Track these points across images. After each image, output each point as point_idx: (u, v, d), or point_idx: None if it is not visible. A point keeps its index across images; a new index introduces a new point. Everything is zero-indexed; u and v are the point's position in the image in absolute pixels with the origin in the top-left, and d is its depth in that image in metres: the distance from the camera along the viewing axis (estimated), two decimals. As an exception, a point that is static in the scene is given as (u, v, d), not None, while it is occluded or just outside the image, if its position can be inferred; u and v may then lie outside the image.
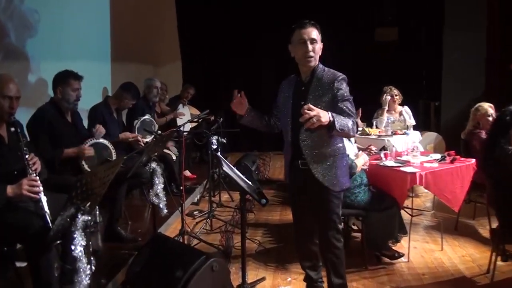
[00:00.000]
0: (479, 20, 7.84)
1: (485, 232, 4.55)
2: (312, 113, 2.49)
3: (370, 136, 5.45)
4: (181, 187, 4.17)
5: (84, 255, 2.28)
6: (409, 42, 8.84)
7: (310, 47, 2.83)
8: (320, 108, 2.64)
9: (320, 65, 2.93)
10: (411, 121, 5.90)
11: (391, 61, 8.65)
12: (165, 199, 3.80)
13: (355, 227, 4.41)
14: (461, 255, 4.10)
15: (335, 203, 2.96)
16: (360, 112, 5.38)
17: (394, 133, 5.53)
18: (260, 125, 3.15)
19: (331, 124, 2.58)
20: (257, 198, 2.76)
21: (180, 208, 4.12)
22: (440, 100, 8.27)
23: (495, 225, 3.56)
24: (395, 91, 5.86)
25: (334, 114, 2.61)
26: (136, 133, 4.77)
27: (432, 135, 6.74)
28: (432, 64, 8.55)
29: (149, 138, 4.79)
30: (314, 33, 2.85)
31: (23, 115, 3.67)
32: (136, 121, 4.88)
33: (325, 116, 2.55)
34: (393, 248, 3.96)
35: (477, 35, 7.86)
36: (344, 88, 2.84)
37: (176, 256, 2.98)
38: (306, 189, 2.99)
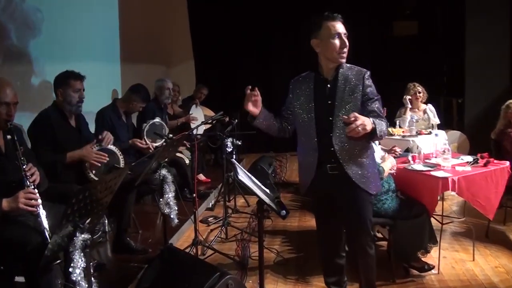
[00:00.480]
0: (502, 9, 7.51)
1: (515, 239, 4.30)
2: (358, 122, 2.35)
3: (393, 137, 5.15)
4: (194, 195, 3.93)
5: (83, 278, 2.05)
6: (429, 35, 8.52)
7: (346, 41, 2.65)
8: (350, 107, 2.59)
9: None
10: (436, 120, 5.61)
11: (411, 56, 8.32)
12: (176, 208, 3.56)
13: (379, 235, 4.14)
14: (494, 265, 3.81)
15: (369, 208, 2.84)
16: (385, 112, 5.10)
17: (418, 133, 5.23)
18: (273, 127, 2.89)
19: (373, 131, 2.45)
20: (277, 210, 2.52)
21: (193, 217, 3.88)
22: (463, 97, 7.94)
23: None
24: (419, 88, 5.58)
25: (375, 121, 2.48)
26: (145, 137, 4.53)
27: (455, 134, 6.43)
28: (453, 59, 8.23)
29: (159, 143, 4.56)
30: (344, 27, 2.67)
31: (27, 120, 3.48)
32: (145, 124, 4.65)
33: (369, 124, 2.41)
34: (422, 259, 3.67)
35: (501, 26, 7.53)
36: (372, 86, 2.69)
37: (188, 272, 2.77)
38: (335, 195, 2.79)
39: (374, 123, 2.47)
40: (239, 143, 5.37)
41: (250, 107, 2.71)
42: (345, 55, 2.67)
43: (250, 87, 2.69)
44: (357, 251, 2.89)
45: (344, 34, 2.65)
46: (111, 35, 6.05)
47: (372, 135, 2.48)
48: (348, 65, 2.74)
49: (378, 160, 3.36)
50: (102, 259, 3.39)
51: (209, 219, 5.04)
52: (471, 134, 6.58)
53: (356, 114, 2.39)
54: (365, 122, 2.38)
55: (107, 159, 3.51)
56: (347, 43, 2.65)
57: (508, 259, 3.92)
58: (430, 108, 5.71)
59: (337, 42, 2.62)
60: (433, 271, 3.64)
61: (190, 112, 6.39)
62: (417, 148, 4.69)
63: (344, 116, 2.43)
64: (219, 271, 2.67)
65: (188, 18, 9.09)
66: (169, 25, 8.36)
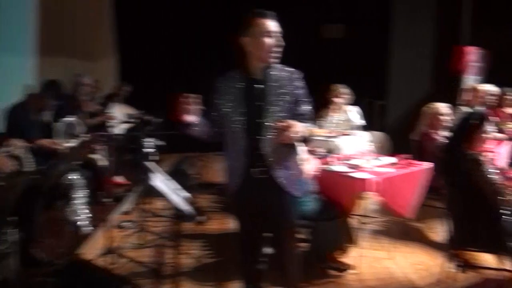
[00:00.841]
0: (427, 15, 7.79)
1: (435, 237, 4.41)
2: (292, 129, 2.34)
3: (316, 137, 5.14)
4: (109, 199, 3.72)
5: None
6: (355, 39, 8.68)
7: (279, 41, 2.54)
8: (280, 109, 2.52)
9: None
10: (360, 121, 5.69)
11: (337, 59, 8.46)
12: (88, 214, 3.33)
13: (299, 236, 4.12)
14: (412, 262, 3.92)
15: (295, 211, 2.79)
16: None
17: (340, 134, 5.28)
18: (209, 132, 2.71)
19: (305, 136, 2.47)
20: (191, 215, 2.41)
21: (106, 223, 3.67)
22: (386, 99, 8.18)
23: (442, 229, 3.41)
24: (343, 90, 5.63)
25: (306, 125, 2.48)
26: (58, 136, 4.25)
27: (377, 135, 6.56)
28: (378, 62, 8.45)
29: (72, 143, 4.28)
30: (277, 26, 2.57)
31: None
32: (58, 123, 4.36)
33: (302, 130, 2.41)
34: (341, 258, 3.71)
35: (425, 31, 7.81)
36: (304, 88, 2.62)
37: (96, 285, 2.58)
38: (263, 199, 2.67)
39: (305, 127, 2.44)
40: (162, 143, 5.17)
41: (186, 117, 2.49)
42: (277, 54, 2.57)
43: (183, 94, 2.49)
44: (285, 253, 2.82)
45: (277, 33, 2.55)
46: (25, 27, 5.62)
47: (303, 140, 2.47)
48: (279, 65, 2.64)
49: (301, 161, 3.32)
50: (5, 273, 3.12)
51: (124, 223, 4.74)
52: (392, 135, 6.76)
53: (290, 121, 2.35)
54: (298, 129, 2.35)
55: (11, 165, 3.25)
56: (280, 43, 2.55)
57: (426, 256, 4.03)
58: (353, 109, 5.79)
59: (268, 40, 2.51)
60: (352, 270, 3.67)
61: (109, 111, 6.10)
62: (339, 149, 4.73)
63: (277, 123, 2.36)
64: (131, 284, 2.52)
65: (113, 10, 8.72)
66: (92, 17, 7.97)
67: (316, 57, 8.39)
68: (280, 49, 2.56)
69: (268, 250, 2.98)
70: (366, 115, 7.72)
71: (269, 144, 2.55)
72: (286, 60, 2.73)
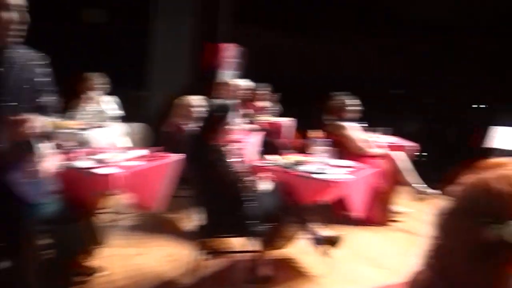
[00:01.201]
0: (188, 9, 7.97)
1: (186, 227, 4.49)
2: (27, 124, 2.09)
3: (64, 130, 4.77)
4: None
5: None
6: (116, 26, 8.45)
7: (18, 15, 2.14)
8: (17, 99, 2.19)
9: None
10: (116, 112, 5.49)
11: (96, 46, 8.11)
12: None
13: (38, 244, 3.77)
14: (164, 255, 3.92)
15: (31, 217, 2.48)
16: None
17: (92, 126, 5.00)
18: None
19: (44, 131, 2.24)
20: None
21: None
22: (147, 90, 8.15)
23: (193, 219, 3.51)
24: (99, 79, 5.36)
25: (47, 119, 2.27)
26: None
27: (136, 127, 6.46)
28: (140, 52, 8.35)
29: None
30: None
31: None
32: None
33: (40, 126, 2.17)
34: (88, 262, 3.47)
35: (187, 26, 7.98)
36: (49, 75, 2.34)
37: None
38: None
39: (47, 121, 2.24)
40: None
41: None
42: (16, 33, 2.17)
43: None
44: (22, 266, 2.52)
45: (19, 6, 2.15)
46: None
47: (46, 135, 2.23)
48: (21, 46, 2.26)
49: (40, 160, 2.99)
50: None
51: None
52: (151, 128, 6.75)
53: (27, 116, 2.08)
54: (36, 123, 2.12)
55: None
56: (23, 19, 2.16)
57: (178, 247, 4.08)
58: (110, 99, 5.57)
59: (6, 15, 2.11)
60: (102, 272, 3.49)
61: None
62: (90, 143, 4.49)
63: (11, 118, 2.05)
64: None
65: None
66: None
67: (71, 42, 7.90)
68: (23, 27, 2.18)
69: (3, 264, 2.64)
70: (126, 105, 7.60)
71: (0, 141, 2.19)
72: (33, 42, 2.37)
